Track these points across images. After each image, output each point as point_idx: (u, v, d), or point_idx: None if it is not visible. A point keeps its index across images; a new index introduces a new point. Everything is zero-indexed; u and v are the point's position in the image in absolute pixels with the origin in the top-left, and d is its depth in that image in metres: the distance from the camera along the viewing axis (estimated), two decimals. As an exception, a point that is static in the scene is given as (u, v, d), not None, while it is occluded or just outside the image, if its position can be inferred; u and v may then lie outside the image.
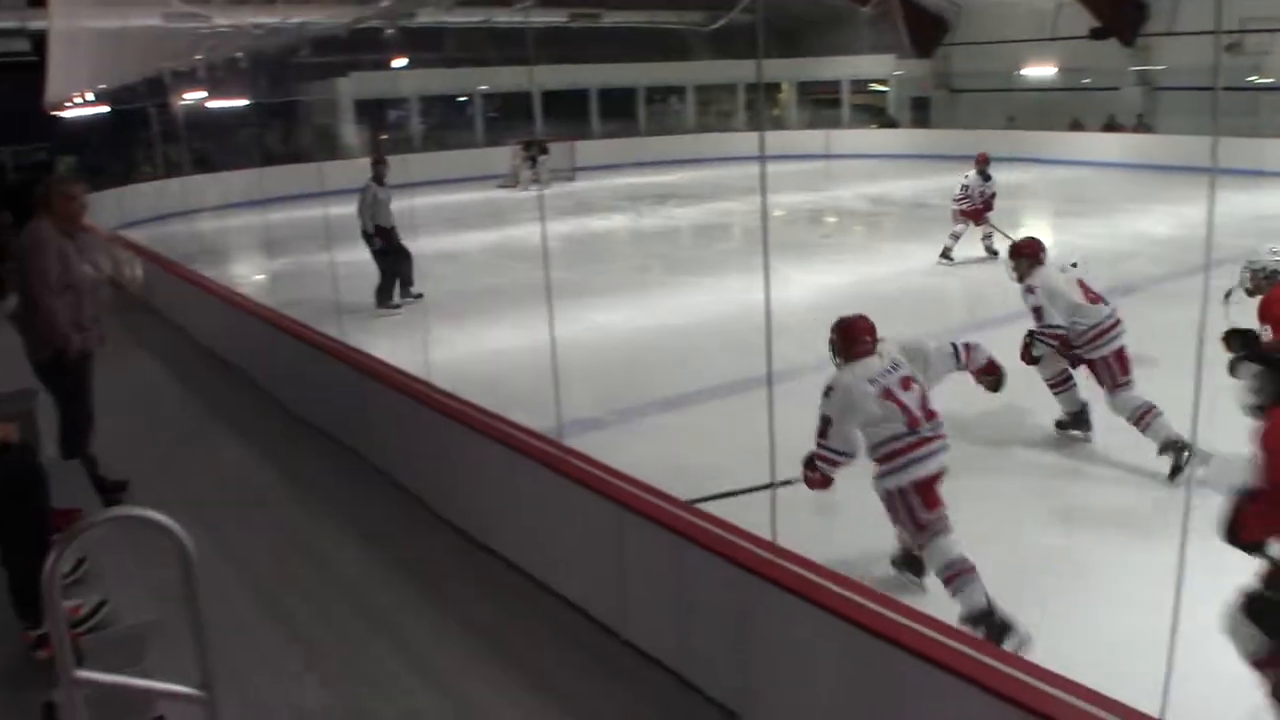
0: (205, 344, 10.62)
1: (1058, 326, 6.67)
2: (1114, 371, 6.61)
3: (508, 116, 32.25)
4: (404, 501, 6.26)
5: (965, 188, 13.52)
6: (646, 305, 11.58)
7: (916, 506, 4.69)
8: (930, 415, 4.82)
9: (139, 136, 22.07)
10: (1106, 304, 6.76)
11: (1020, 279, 6.97)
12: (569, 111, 31.91)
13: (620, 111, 34.04)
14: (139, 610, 3.78)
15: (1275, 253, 6.25)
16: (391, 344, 8.32)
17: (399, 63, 21.28)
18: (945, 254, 13.44)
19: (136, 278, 13.48)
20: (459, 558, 5.48)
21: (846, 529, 5.57)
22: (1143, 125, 26.81)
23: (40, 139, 25.28)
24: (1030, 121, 28.09)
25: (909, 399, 4.76)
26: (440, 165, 25.11)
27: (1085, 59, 27.27)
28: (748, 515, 4.20)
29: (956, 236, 13.48)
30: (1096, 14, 25.94)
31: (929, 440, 4.73)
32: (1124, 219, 16.52)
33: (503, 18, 24.89)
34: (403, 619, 4.88)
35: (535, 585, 5.07)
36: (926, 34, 31.36)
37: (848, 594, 3.53)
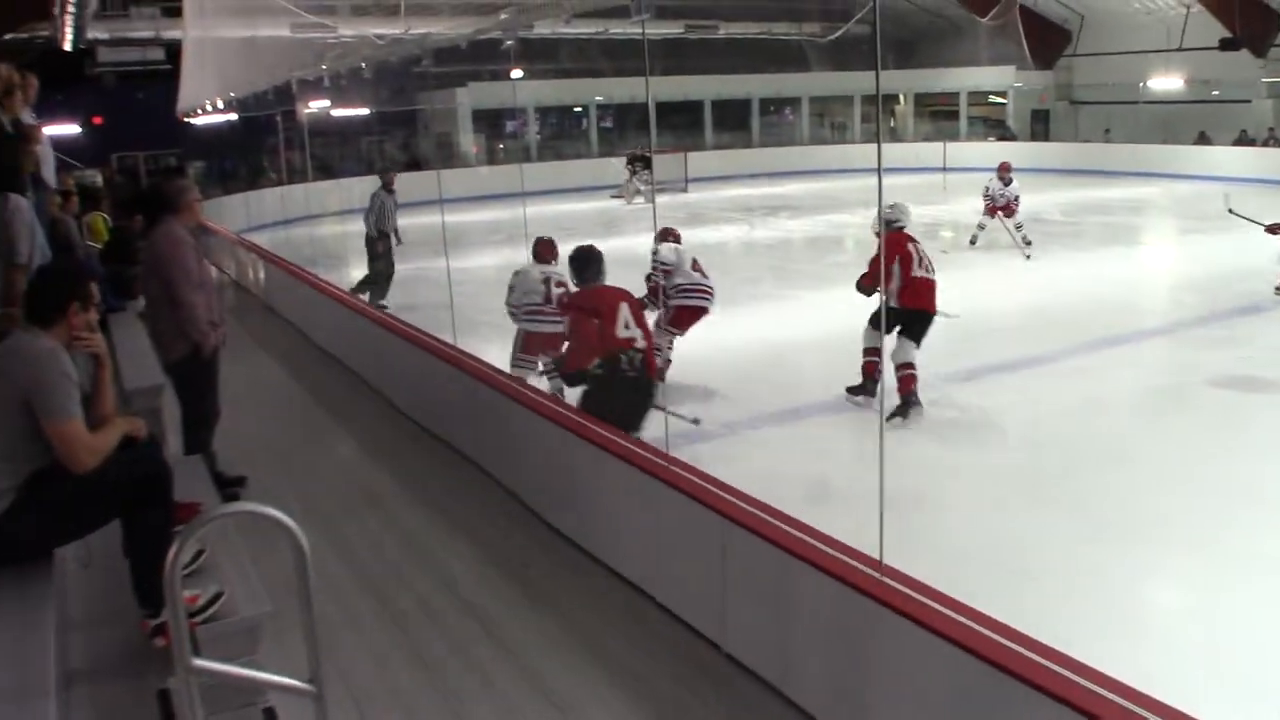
0: (322, 345, 10.77)
1: None
2: None
3: (622, 127, 32.74)
4: (513, 507, 6.28)
5: (988, 191, 16.33)
6: (757, 317, 11.46)
7: None
8: None
9: (264, 143, 22.76)
10: None
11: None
12: (683, 122, 32.29)
13: (734, 123, 34.21)
14: (253, 602, 3.85)
15: None
16: (503, 351, 8.37)
17: (516, 74, 21.70)
18: (971, 240, 16.43)
19: (259, 279, 13.71)
20: (566, 564, 5.49)
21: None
22: (1275, 139, 25.92)
23: (172, 144, 26.27)
24: (1155, 135, 27.33)
25: None
26: (555, 175, 25.43)
27: (1214, 71, 26.47)
28: (842, 523, 4.12)
29: (981, 227, 16.48)
30: (1227, 24, 25.18)
31: None
32: (1252, 237, 15.88)
33: (618, 29, 25.08)
34: (507, 622, 4.90)
35: (638, 593, 5.06)
36: (1047, 45, 30.67)
37: (959, 618, 3.44)
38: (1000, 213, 16.31)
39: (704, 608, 4.66)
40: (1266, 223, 11.04)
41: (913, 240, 8.36)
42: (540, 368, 8.11)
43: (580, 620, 4.90)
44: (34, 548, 3.74)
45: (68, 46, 19.94)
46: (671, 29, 26.35)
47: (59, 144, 11.70)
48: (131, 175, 27.19)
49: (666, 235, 9.56)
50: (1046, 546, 5.70)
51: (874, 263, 7.75)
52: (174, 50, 23.41)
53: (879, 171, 4.47)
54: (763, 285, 13.72)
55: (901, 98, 34.14)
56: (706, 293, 9.24)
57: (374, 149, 29.86)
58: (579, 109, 32.87)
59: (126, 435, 3.97)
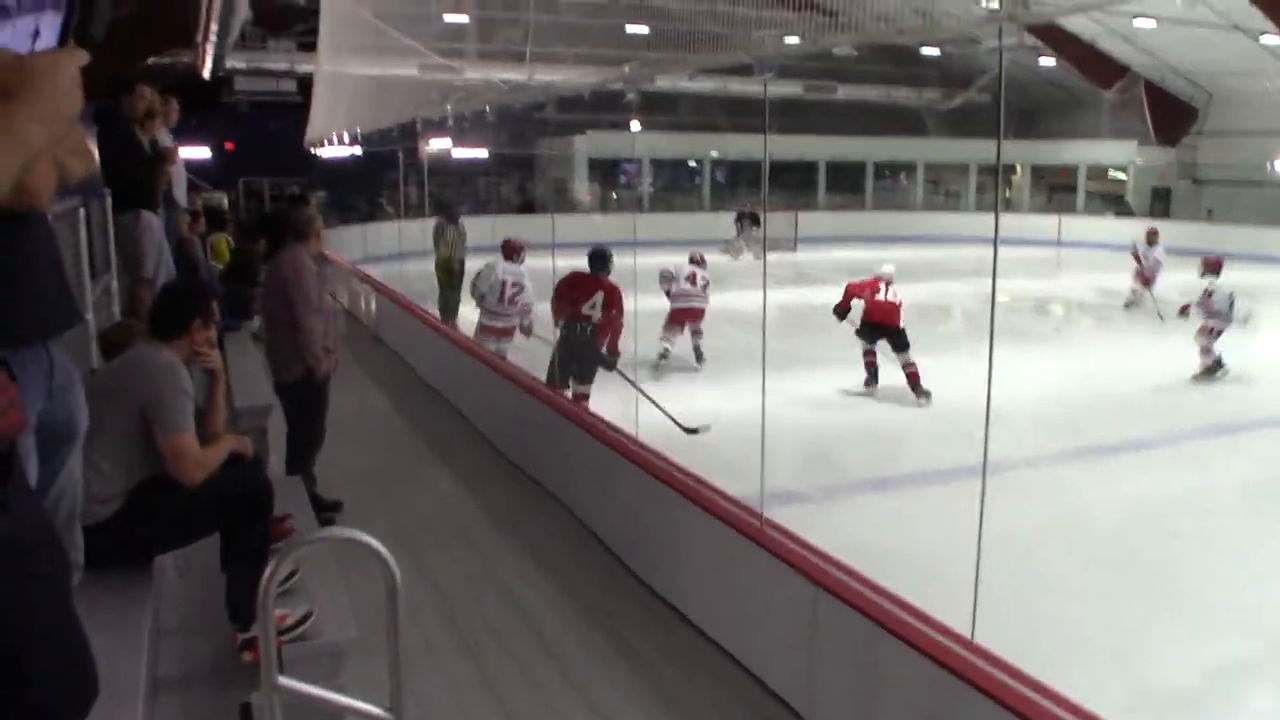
0: (426, 378, 10.89)
1: None
2: None
3: (735, 183, 32.82)
4: (600, 553, 6.28)
5: (1134, 250, 16.94)
6: (860, 381, 11.31)
7: None
8: None
9: (385, 178, 23.19)
10: None
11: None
12: (796, 182, 32.28)
13: (847, 184, 34.08)
14: (341, 626, 3.88)
15: None
16: (600, 396, 8.43)
17: (634, 125, 21.90)
18: (1126, 304, 17.00)
19: (370, 310, 13.95)
20: (648, 615, 5.46)
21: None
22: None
23: (297, 173, 27.03)
24: (1280, 218, 26.56)
25: None
26: (666, 226, 25.35)
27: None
28: (934, 598, 4.03)
29: (1135, 293, 16.99)
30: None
31: None
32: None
33: (739, 86, 25.23)
34: (588, 669, 4.87)
35: (721, 652, 5.01)
36: (1172, 121, 29.88)
37: (1047, 704, 3.34)
38: (1143, 279, 16.82)
39: (789, 674, 4.58)
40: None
41: (887, 282, 11.09)
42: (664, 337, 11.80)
43: (660, 673, 4.84)
44: (136, 553, 3.81)
45: (207, 74, 20.58)
46: (791, 89, 26.37)
47: (191, 166, 11.94)
48: (257, 200, 28.12)
49: (691, 259, 12.52)
50: (1142, 633, 5.57)
51: (847, 293, 10.18)
52: (306, 83, 24.12)
53: (995, 243, 4.48)
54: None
55: (1019, 168, 33.61)
56: (694, 298, 12.15)
57: (491, 189, 30.32)
58: (694, 163, 33.01)
59: (234, 452, 4.04)
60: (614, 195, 31.45)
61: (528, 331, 10.59)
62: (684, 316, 12.19)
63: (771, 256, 23.72)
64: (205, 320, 4.13)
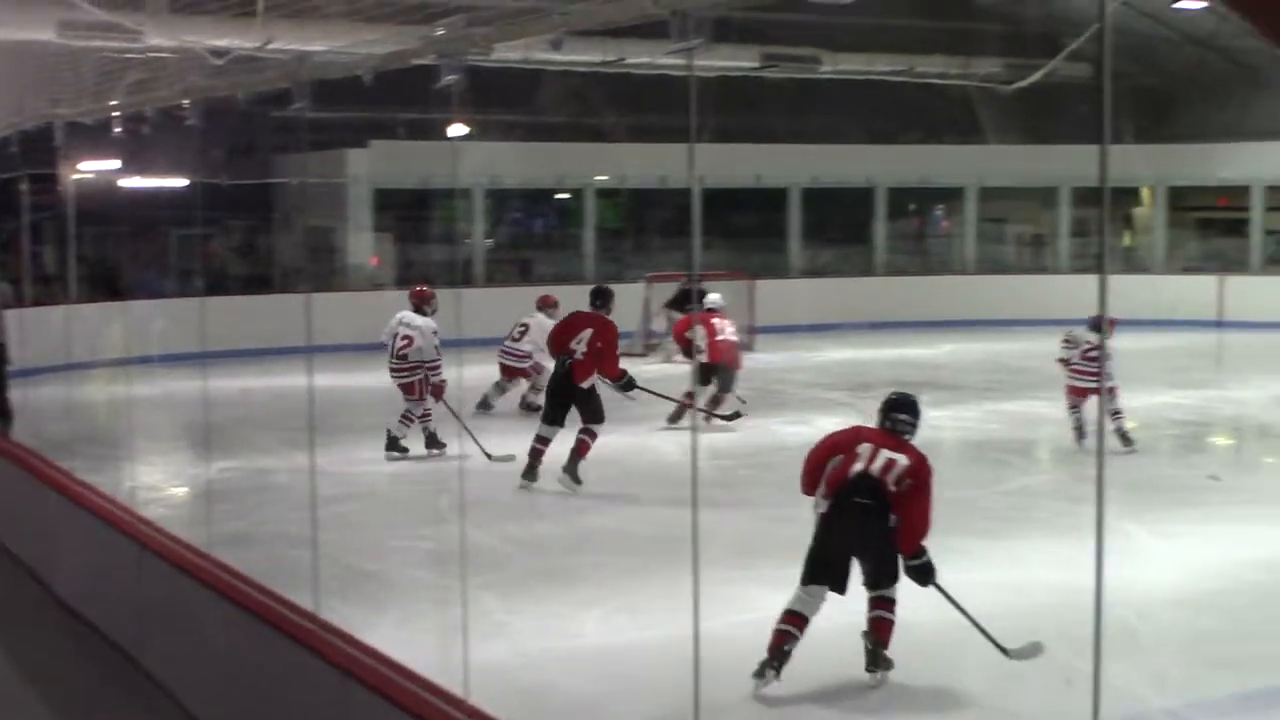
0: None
1: None
2: None
3: (641, 229, 28.94)
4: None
5: None
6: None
7: None
8: None
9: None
10: None
11: None
12: (750, 225, 28.28)
13: (841, 229, 29.84)
14: None
15: None
16: (400, 625, 8.35)
17: (457, 129, 18.13)
18: None
19: None
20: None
21: None
22: None
23: None
24: None
25: None
26: (510, 310, 21.69)
27: None
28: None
29: None
30: None
31: None
32: None
33: (644, 58, 20.87)
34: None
35: None
36: None
37: None
38: None
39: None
40: None
41: (718, 314, 14.93)
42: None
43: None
44: None
45: None
46: (741, 60, 21.76)
47: None
48: None
49: (544, 303, 15.58)
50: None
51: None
52: None
53: (1100, 327, 5.62)
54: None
55: (1144, 193, 28.98)
56: (508, 355, 15.38)
57: (193, 248, 26.24)
58: (564, 195, 28.86)
59: None
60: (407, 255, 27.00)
61: (436, 394, 12.77)
62: (505, 372, 15.44)
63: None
64: None
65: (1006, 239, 30.42)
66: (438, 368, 12.67)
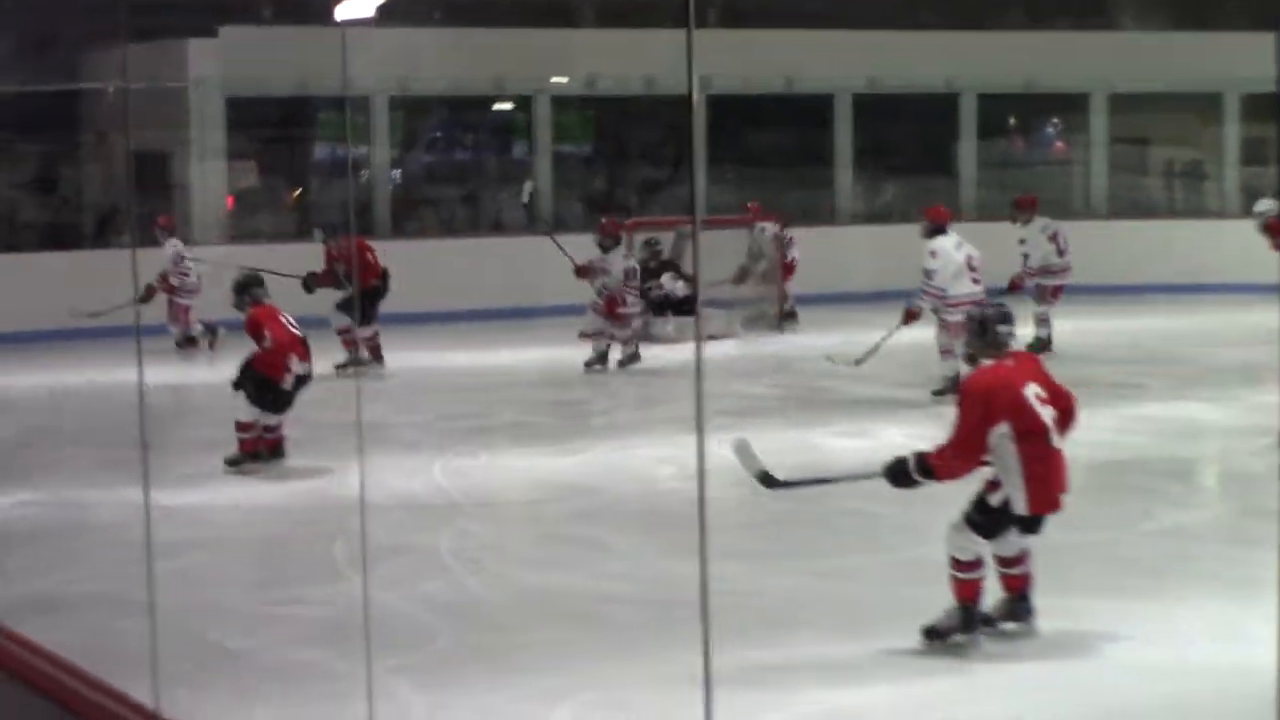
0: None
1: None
2: None
3: (619, 157, 29.47)
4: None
5: None
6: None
7: None
8: None
9: None
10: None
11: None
12: (778, 149, 28.87)
13: (910, 153, 30.28)
14: None
15: None
16: None
17: (348, 8, 18.07)
18: None
19: None
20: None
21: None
22: None
23: None
24: None
25: None
26: (422, 276, 21.89)
27: None
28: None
29: None
30: None
31: None
32: None
33: None
34: None
35: None
36: None
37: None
38: None
39: None
40: None
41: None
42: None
43: None
44: None
45: None
46: None
47: None
48: None
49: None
50: None
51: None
52: None
53: None
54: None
55: None
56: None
57: None
58: (508, 105, 29.95)
59: None
60: (295, 194, 27.78)
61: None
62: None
63: (729, 346, 21.65)
64: None
65: (1150, 168, 30.43)
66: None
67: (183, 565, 10.60)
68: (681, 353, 20.08)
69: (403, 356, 19.08)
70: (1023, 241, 20.70)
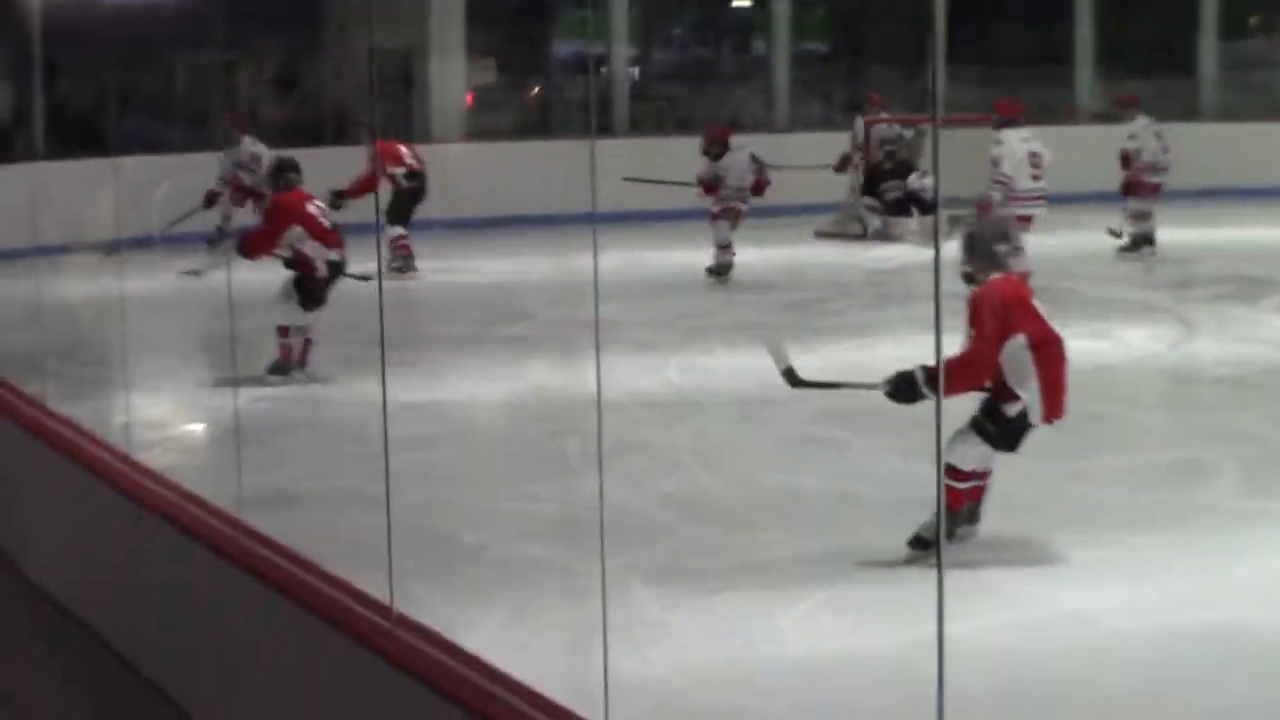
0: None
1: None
2: None
3: (856, 49, 29.26)
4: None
5: None
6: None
7: None
8: None
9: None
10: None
11: None
12: (1020, 46, 28.43)
13: (1149, 50, 29.37)
14: None
15: None
16: (511, 624, 8.59)
17: None
18: None
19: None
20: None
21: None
22: None
23: None
24: None
25: None
26: (672, 164, 21.29)
27: None
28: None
29: None
30: None
31: None
32: None
33: None
34: None
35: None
36: None
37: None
38: None
39: None
40: None
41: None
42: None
43: None
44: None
45: None
46: None
47: None
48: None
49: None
50: None
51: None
52: None
53: None
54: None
55: None
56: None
57: (208, 83, 25.68)
58: (746, 2, 29.79)
59: None
60: (534, 91, 27.90)
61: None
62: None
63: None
64: None
65: None
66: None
67: (417, 461, 10.49)
68: (924, 252, 18.66)
69: (630, 257, 18.32)
70: (1132, 137, 21.05)
